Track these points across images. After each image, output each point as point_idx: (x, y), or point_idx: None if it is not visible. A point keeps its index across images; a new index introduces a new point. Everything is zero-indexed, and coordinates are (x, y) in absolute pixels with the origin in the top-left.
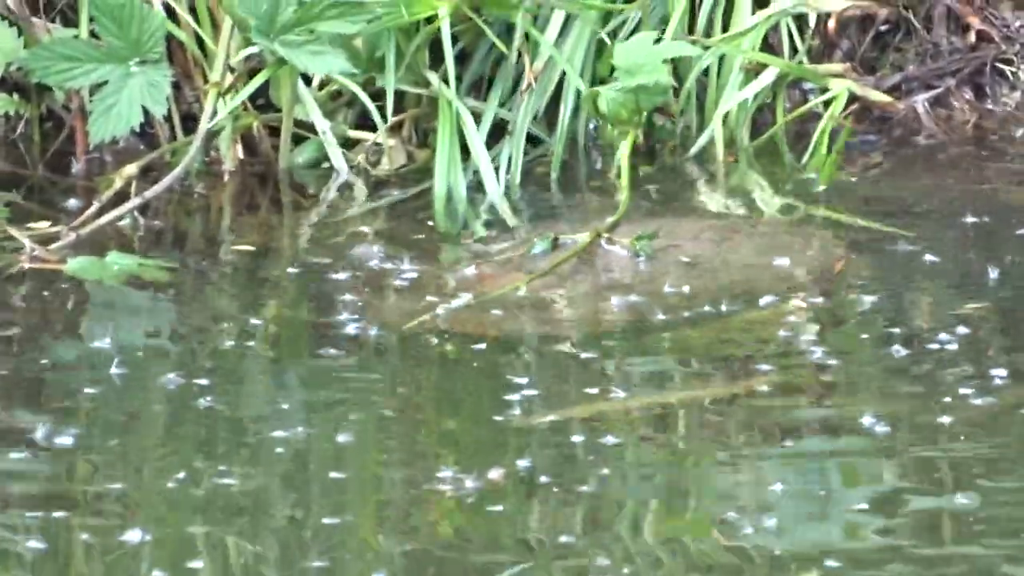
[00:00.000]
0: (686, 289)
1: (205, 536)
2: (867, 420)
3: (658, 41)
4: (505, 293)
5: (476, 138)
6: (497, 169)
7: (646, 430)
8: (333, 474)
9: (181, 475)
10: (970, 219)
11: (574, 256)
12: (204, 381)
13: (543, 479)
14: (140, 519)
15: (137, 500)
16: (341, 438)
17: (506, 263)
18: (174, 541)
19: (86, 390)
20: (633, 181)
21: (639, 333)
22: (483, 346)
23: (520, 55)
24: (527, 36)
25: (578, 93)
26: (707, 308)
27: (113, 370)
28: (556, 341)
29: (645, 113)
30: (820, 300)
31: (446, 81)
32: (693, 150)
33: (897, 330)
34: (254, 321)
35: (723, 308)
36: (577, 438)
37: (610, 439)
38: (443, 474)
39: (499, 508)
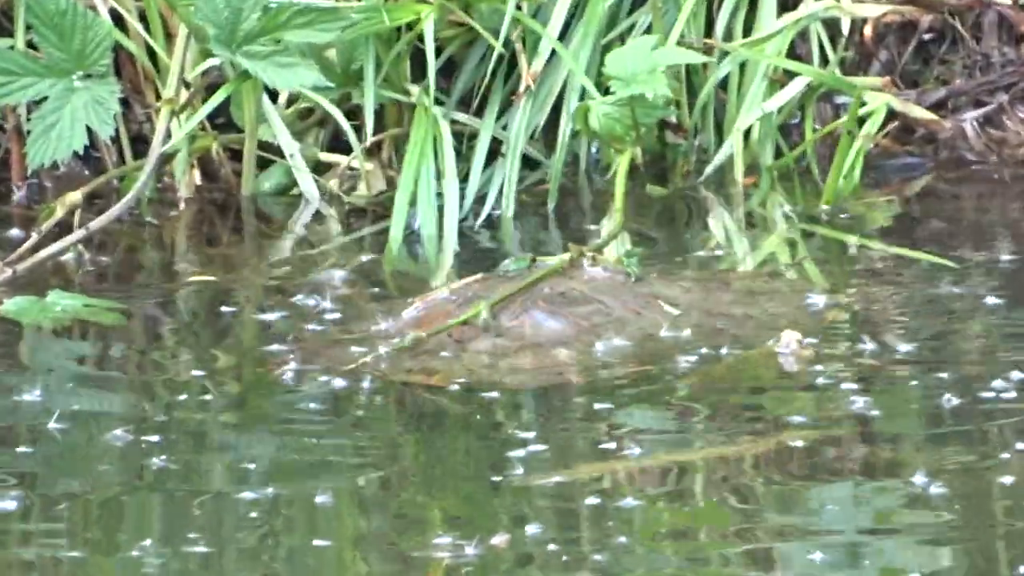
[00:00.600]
0: (683, 333)
1: None
2: (919, 479)
3: (658, 46)
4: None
5: (450, 157)
6: (484, 197)
7: (661, 492)
8: (315, 541)
9: (144, 544)
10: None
11: (546, 276)
12: (154, 438)
13: (552, 547)
14: None
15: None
16: (318, 499)
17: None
18: None
19: (20, 449)
20: (626, 207)
21: (644, 381)
22: (468, 395)
23: (515, 60)
24: (523, 41)
25: (581, 99)
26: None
27: (52, 425)
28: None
29: (644, 129)
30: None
31: (427, 93)
32: (708, 170)
33: (944, 377)
34: (209, 370)
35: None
36: (587, 500)
37: (624, 502)
38: (439, 540)
39: None
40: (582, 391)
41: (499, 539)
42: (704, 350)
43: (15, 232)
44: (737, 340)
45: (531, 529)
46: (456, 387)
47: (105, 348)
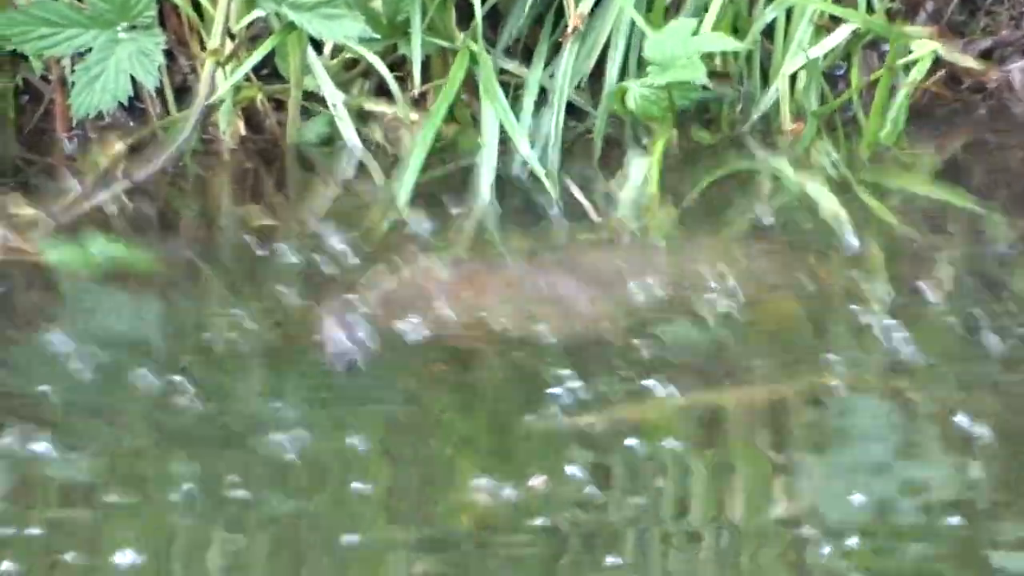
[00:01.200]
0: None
1: (222, 549)
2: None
3: (697, 31)
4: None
5: (492, 101)
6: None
7: (700, 433)
8: (353, 484)
9: (185, 487)
10: None
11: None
12: (190, 387)
13: (589, 490)
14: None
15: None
16: (351, 443)
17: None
18: (176, 564)
19: (53, 398)
20: (662, 187)
21: (675, 324)
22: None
23: (563, 9)
24: None
25: (626, 54)
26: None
27: (86, 375)
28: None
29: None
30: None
31: (474, 38)
32: (753, 117)
33: (975, 315)
34: (252, 324)
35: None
36: (628, 442)
37: (663, 443)
38: (477, 482)
39: (539, 521)
40: (615, 336)
41: (536, 481)
42: (725, 301)
43: (59, 183)
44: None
45: (569, 470)
46: (482, 342)
47: (144, 296)
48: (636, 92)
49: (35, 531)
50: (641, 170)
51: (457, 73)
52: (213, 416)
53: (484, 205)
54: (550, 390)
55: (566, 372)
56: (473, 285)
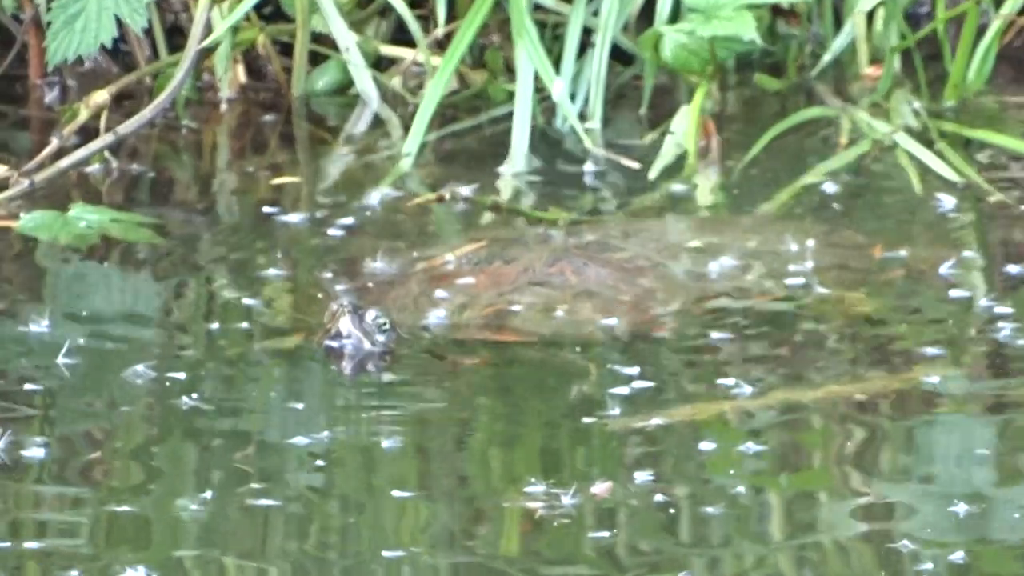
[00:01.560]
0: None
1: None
2: None
3: None
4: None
5: (528, 46)
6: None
7: (778, 434)
8: (396, 492)
9: (205, 496)
10: None
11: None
12: (181, 375)
13: (659, 498)
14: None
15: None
16: (386, 445)
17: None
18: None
19: (31, 386)
20: (696, 145)
21: (736, 314)
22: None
23: None
24: None
25: None
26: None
27: (65, 361)
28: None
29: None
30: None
31: None
32: (826, 59)
33: None
34: (256, 301)
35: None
36: (700, 445)
37: (739, 446)
38: (532, 489)
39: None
40: (669, 331)
41: (600, 488)
42: (768, 283)
43: (33, 138)
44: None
45: (638, 476)
46: (533, 340)
47: (134, 270)
48: (672, 40)
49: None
50: (685, 125)
51: (481, 7)
52: (217, 417)
53: (518, 166)
54: (611, 389)
55: (627, 369)
56: (502, 276)
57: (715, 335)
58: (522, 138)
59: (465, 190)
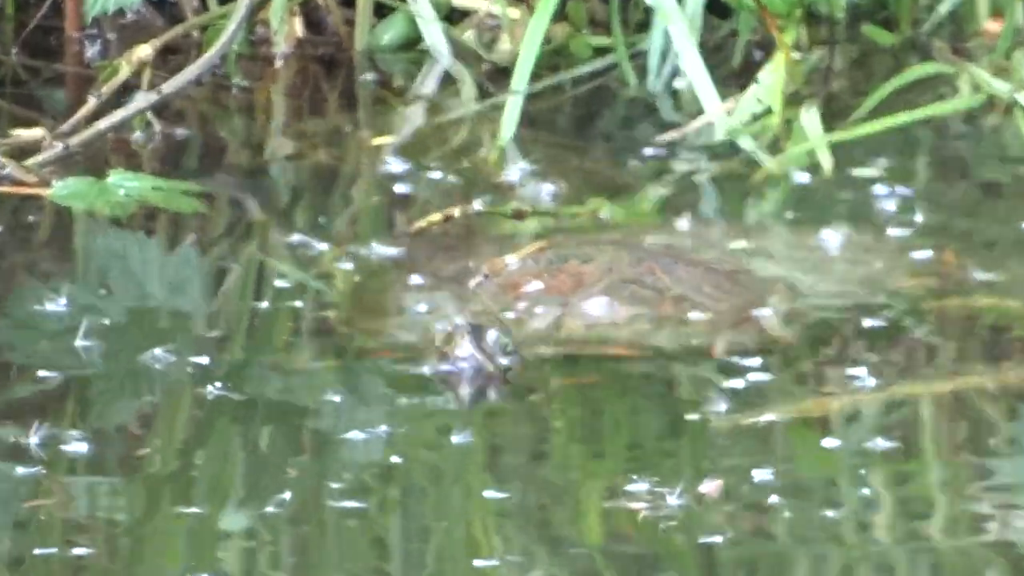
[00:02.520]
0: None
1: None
2: None
3: None
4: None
5: None
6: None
7: (907, 432)
8: (488, 493)
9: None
10: None
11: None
12: (216, 367)
13: (775, 498)
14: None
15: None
16: (456, 440)
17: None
18: None
19: (52, 373)
20: (785, 101)
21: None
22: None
23: None
24: None
25: None
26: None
27: (89, 343)
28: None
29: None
30: None
31: None
32: (942, 11)
33: None
34: (316, 283)
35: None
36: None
37: (865, 443)
38: (635, 488)
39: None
40: (782, 335)
41: (709, 486)
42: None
43: (69, 97)
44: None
45: (756, 474)
46: (646, 354)
47: (177, 243)
48: None
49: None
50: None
51: None
52: (273, 416)
53: (605, 135)
54: (723, 384)
55: (742, 364)
56: (584, 275)
57: (827, 333)
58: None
59: (478, 203)
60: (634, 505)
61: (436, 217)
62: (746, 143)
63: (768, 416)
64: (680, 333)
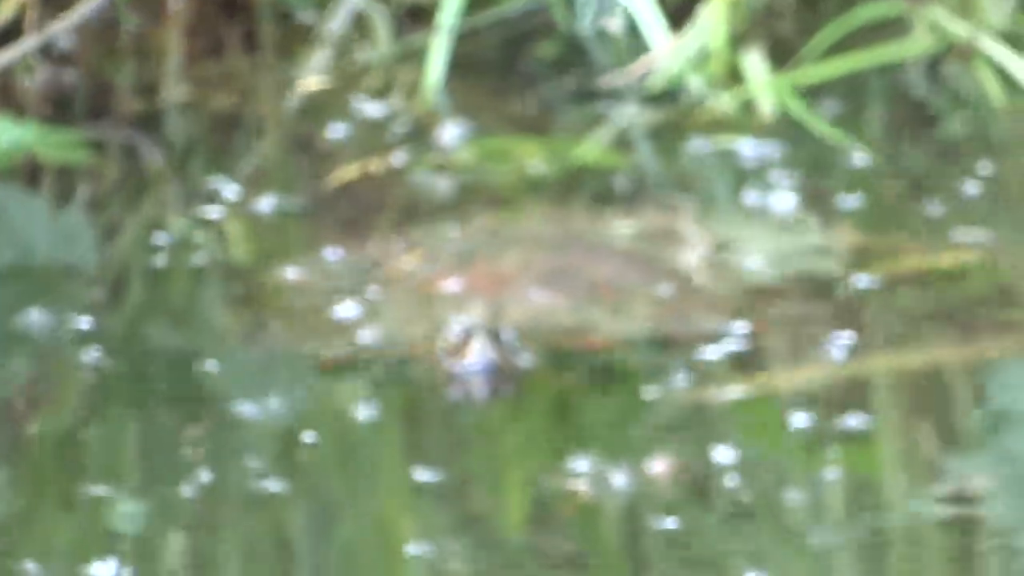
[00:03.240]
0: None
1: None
2: None
3: None
4: None
5: None
6: None
7: (888, 407)
8: (420, 475)
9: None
10: None
11: None
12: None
13: (731, 480)
14: None
15: None
16: (362, 416)
17: None
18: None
19: None
20: (727, 43)
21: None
22: None
23: None
24: None
25: None
26: None
27: None
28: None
29: None
30: None
31: None
32: None
33: None
34: (214, 242)
35: None
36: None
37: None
38: (576, 465)
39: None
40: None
41: (660, 465)
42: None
43: None
44: None
45: (716, 454)
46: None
47: (65, 197)
48: None
49: None
50: (710, 20)
51: None
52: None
53: (536, 79)
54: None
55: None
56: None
57: (784, 314)
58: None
59: (398, 157)
60: (579, 484)
61: (353, 171)
62: (692, 85)
63: (730, 393)
64: (633, 318)
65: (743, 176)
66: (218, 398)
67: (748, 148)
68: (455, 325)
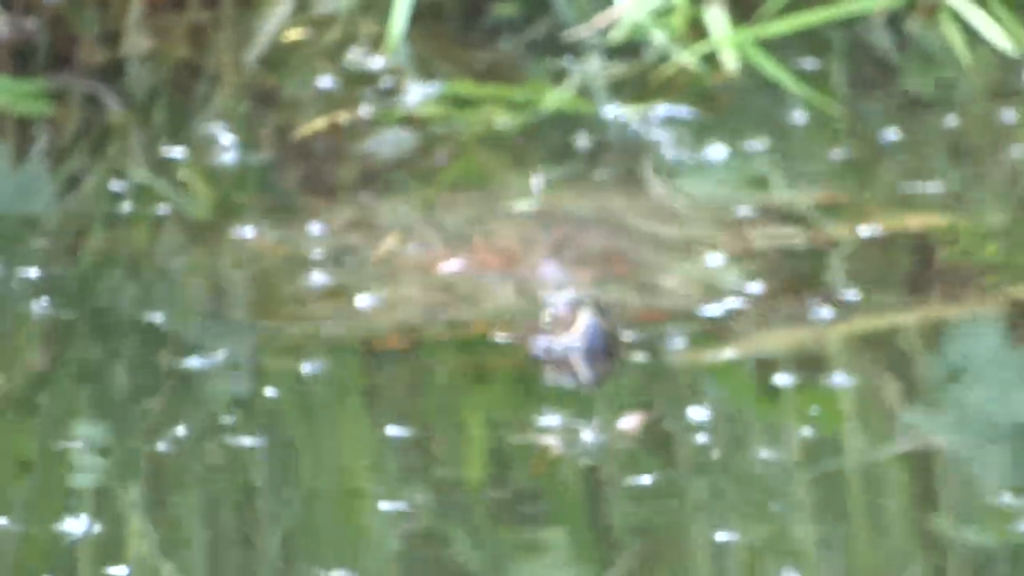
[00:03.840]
0: None
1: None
2: None
3: None
4: None
5: None
6: None
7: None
8: (392, 430)
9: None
10: None
11: None
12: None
13: (701, 437)
14: None
15: None
16: (307, 370)
17: None
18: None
19: None
20: None
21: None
22: None
23: None
24: None
25: None
26: None
27: None
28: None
29: None
30: None
31: None
32: None
33: None
34: (176, 192)
35: None
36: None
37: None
38: (548, 422)
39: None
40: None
41: (628, 421)
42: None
43: None
44: None
45: (690, 412)
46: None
47: (25, 148)
48: None
49: None
50: None
51: None
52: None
53: (502, 31)
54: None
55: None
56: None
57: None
58: None
59: (365, 110)
60: (551, 440)
61: (320, 124)
62: (655, 39)
63: (726, 353)
64: (663, 292)
65: (700, 132)
66: (169, 352)
67: (703, 107)
68: (558, 300)
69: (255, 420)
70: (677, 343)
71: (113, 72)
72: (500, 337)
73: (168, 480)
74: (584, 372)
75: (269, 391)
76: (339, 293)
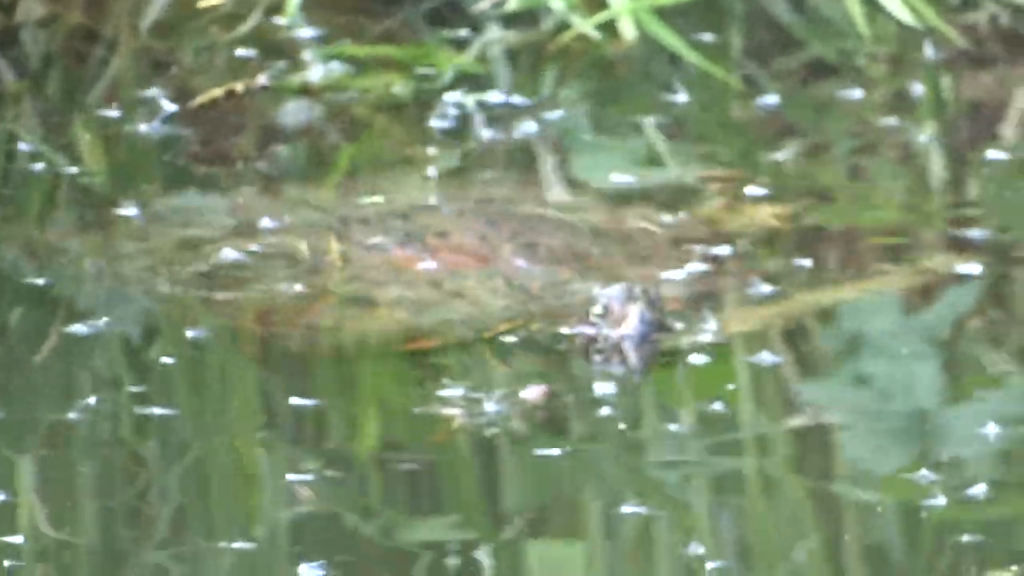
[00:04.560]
0: None
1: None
2: None
3: None
4: None
5: None
6: None
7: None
8: (297, 400)
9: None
10: None
11: None
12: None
13: (606, 411)
14: None
15: None
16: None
17: None
18: None
19: None
20: None
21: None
22: None
23: None
24: None
25: None
26: None
27: None
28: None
29: None
30: None
31: None
32: None
33: None
34: (71, 161)
35: None
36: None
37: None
38: (449, 393)
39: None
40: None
41: (532, 392)
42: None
43: None
44: None
45: (598, 387)
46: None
47: None
48: None
49: None
50: None
51: None
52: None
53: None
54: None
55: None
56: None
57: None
58: None
59: (263, 78)
60: (450, 410)
61: (218, 92)
62: (554, 6)
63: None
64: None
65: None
66: (57, 317)
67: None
68: (607, 294)
69: (151, 389)
70: None
71: (7, 38)
72: (560, 329)
73: (63, 449)
74: (633, 360)
75: (165, 359)
76: (332, 296)
